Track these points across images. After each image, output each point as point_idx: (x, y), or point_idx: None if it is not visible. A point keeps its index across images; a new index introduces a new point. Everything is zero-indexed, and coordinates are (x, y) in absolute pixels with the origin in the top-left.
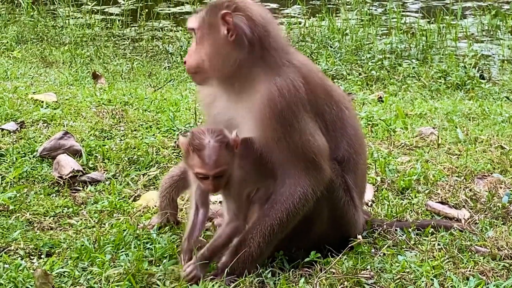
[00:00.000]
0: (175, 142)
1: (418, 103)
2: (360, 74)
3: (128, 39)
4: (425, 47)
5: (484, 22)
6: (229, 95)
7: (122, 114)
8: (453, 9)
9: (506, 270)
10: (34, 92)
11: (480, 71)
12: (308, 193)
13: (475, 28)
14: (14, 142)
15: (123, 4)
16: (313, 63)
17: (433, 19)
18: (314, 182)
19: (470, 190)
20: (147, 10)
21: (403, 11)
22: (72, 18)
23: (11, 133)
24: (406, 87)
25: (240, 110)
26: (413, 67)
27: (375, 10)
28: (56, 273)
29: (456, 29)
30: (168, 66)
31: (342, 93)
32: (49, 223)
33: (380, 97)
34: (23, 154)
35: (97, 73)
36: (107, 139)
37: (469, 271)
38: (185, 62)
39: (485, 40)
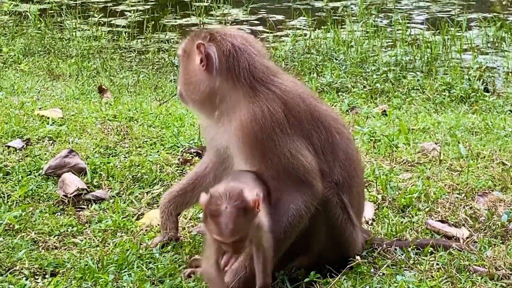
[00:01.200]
0: (179, 159)
1: (422, 117)
2: (364, 87)
3: (135, 51)
4: (429, 59)
5: (489, 33)
6: (212, 122)
7: (127, 131)
8: (458, 21)
9: None
10: (40, 108)
11: (485, 84)
12: (302, 209)
13: (480, 39)
14: (20, 160)
15: (130, 16)
16: (302, 87)
17: (438, 31)
18: (306, 198)
19: (470, 208)
20: (153, 22)
21: (408, 23)
22: (79, 30)
23: (17, 151)
24: (410, 100)
25: (224, 137)
26: (418, 80)
27: (380, 22)
28: None
29: (461, 41)
30: (174, 79)
31: (335, 116)
32: (54, 242)
33: (384, 111)
34: (29, 172)
35: (103, 87)
36: (112, 156)
37: None
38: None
39: (490, 52)
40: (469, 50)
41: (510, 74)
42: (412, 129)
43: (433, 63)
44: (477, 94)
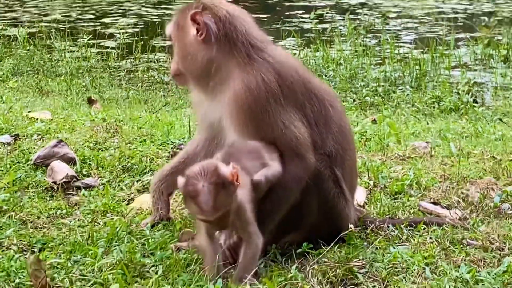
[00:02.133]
0: (169, 152)
1: (412, 124)
2: (354, 100)
3: (124, 70)
4: (418, 75)
5: (477, 51)
6: (206, 95)
7: (116, 129)
8: (446, 40)
9: (497, 260)
10: (29, 111)
11: (474, 97)
12: (291, 182)
13: (468, 57)
14: (8, 153)
15: (119, 37)
16: (294, 59)
17: (426, 49)
18: (297, 170)
19: (462, 192)
20: (142, 42)
21: (397, 42)
22: (68, 52)
23: (5, 145)
24: (400, 111)
25: (217, 109)
26: (407, 94)
27: (369, 41)
28: (49, 264)
29: (449, 58)
30: (164, 95)
31: (328, 89)
32: (43, 223)
33: (374, 119)
34: (17, 163)
35: (92, 98)
36: (101, 150)
37: (461, 260)
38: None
39: (478, 69)
40: (457, 67)
41: (498, 88)
42: (403, 133)
43: (422, 78)
44: (466, 106)
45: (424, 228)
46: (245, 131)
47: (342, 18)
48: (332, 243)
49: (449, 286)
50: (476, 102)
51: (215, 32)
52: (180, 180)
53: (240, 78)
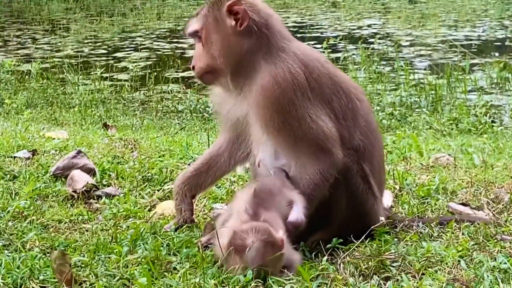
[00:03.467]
0: (188, 164)
1: (431, 142)
2: None
3: (138, 101)
4: (434, 99)
5: (493, 75)
6: (234, 90)
7: (134, 145)
8: (460, 66)
9: None
10: (45, 131)
11: (492, 118)
12: (317, 178)
13: (484, 81)
14: (28, 166)
15: (132, 70)
16: (319, 53)
17: (441, 74)
18: (324, 166)
19: (491, 194)
20: (155, 74)
21: (411, 69)
22: (82, 85)
23: (24, 159)
24: (418, 132)
25: (243, 104)
26: (424, 118)
27: (383, 68)
28: (73, 262)
29: (465, 83)
30: (179, 123)
31: (354, 84)
32: (65, 228)
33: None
34: (36, 175)
35: (108, 123)
36: (120, 164)
37: (497, 252)
38: (193, 67)
39: (494, 92)
40: (473, 91)
41: None
42: (424, 148)
43: (438, 102)
44: (485, 127)
45: (456, 225)
46: (271, 125)
47: (355, 47)
48: (363, 237)
49: (487, 276)
50: (494, 122)
51: (258, 21)
52: (225, 236)
53: (267, 71)
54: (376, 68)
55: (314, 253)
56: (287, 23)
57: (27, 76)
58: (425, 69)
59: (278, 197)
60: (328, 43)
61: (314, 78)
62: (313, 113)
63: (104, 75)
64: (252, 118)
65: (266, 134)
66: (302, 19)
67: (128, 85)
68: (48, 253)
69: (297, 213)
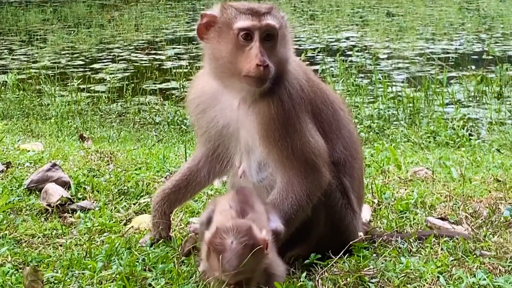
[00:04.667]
0: (165, 177)
1: (409, 155)
2: None
3: (115, 112)
4: (412, 112)
5: (470, 88)
6: (241, 96)
7: (110, 158)
8: (438, 78)
9: None
10: (20, 143)
11: (469, 131)
12: (303, 199)
13: (462, 94)
14: (1, 179)
15: (109, 81)
16: (304, 64)
17: (419, 87)
18: (311, 187)
19: (470, 209)
20: (133, 85)
21: (389, 82)
22: (58, 96)
23: None
24: (396, 145)
25: (244, 110)
26: (402, 130)
27: (361, 81)
28: (46, 279)
29: (442, 96)
30: (156, 135)
31: (335, 94)
32: (38, 242)
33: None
34: (10, 188)
35: (84, 135)
36: (96, 177)
37: (476, 268)
38: (265, 66)
39: (472, 105)
40: (451, 104)
41: (493, 123)
42: (402, 161)
43: (416, 115)
44: (462, 140)
45: (435, 241)
46: (273, 135)
47: (333, 60)
48: (342, 252)
49: None
50: (472, 136)
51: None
52: (208, 233)
53: (284, 80)
54: (354, 80)
55: (292, 268)
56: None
57: (3, 87)
58: (403, 82)
59: (258, 200)
60: (306, 55)
61: (311, 87)
62: (311, 127)
63: (81, 86)
64: (248, 126)
65: (261, 146)
66: None
67: (105, 96)
68: (20, 268)
69: (275, 222)
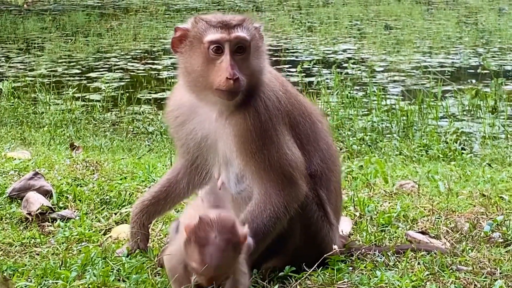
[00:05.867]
0: (149, 187)
1: (399, 168)
2: (341, 149)
3: (109, 121)
4: (406, 125)
5: (464, 102)
6: (219, 108)
7: (96, 167)
8: (433, 92)
9: (488, 283)
10: (8, 151)
11: (462, 145)
12: (280, 211)
13: (456, 108)
14: None
15: (104, 90)
16: (281, 76)
17: (413, 100)
18: (288, 199)
19: (451, 223)
20: (128, 95)
21: (384, 94)
22: (53, 104)
23: None
24: (387, 158)
25: (222, 122)
26: (394, 144)
27: (356, 93)
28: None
29: (436, 109)
30: (149, 144)
31: (313, 106)
32: (15, 251)
33: (361, 166)
34: None
35: (75, 144)
36: (80, 186)
37: (450, 283)
38: (235, 79)
39: (466, 119)
40: (445, 117)
41: (486, 137)
42: (390, 174)
43: (409, 128)
44: (454, 154)
45: (412, 255)
46: (250, 148)
47: (329, 71)
48: (315, 265)
49: None
50: (464, 150)
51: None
52: (190, 220)
53: (260, 92)
54: (349, 93)
55: (267, 281)
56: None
57: None
58: (397, 95)
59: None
60: (302, 67)
61: (288, 99)
62: (288, 139)
63: (76, 95)
64: (225, 138)
65: (238, 158)
66: (277, 43)
67: (99, 105)
68: None
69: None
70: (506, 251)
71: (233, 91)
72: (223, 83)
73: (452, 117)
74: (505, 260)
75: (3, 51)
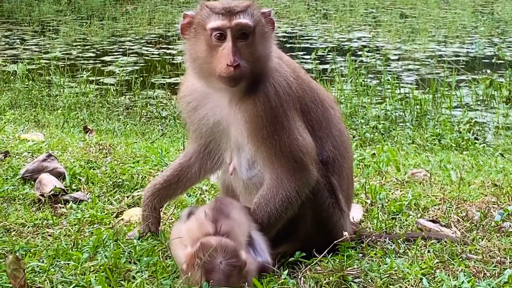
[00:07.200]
0: (161, 171)
1: (412, 157)
2: (354, 136)
3: (122, 105)
4: (419, 114)
5: (479, 92)
6: (229, 94)
7: (109, 150)
8: (447, 81)
9: (497, 272)
10: (21, 132)
11: (475, 135)
12: (292, 196)
13: (470, 98)
14: None
15: (118, 74)
16: (294, 61)
17: (427, 89)
18: (299, 184)
19: (462, 212)
20: (142, 79)
21: (398, 83)
22: (67, 87)
23: None
24: (400, 146)
25: (233, 108)
26: (407, 133)
27: (370, 81)
28: (31, 268)
29: (450, 98)
30: (162, 129)
31: (327, 93)
32: (28, 232)
33: (374, 154)
34: (5, 178)
35: (88, 127)
36: (93, 168)
37: (460, 271)
38: (236, 66)
39: (479, 109)
40: (459, 107)
41: (500, 128)
42: (402, 162)
43: (423, 117)
44: (468, 143)
45: (422, 243)
46: (261, 133)
47: (344, 59)
48: (325, 251)
49: None
50: (478, 139)
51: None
52: (190, 249)
53: (270, 78)
54: (363, 81)
55: (277, 266)
56: (277, 33)
57: (12, 77)
58: (411, 84)
59: (240, 214)
60: (317, 54)
61: (300, 85)
62: (300, 125)
63: (91, 78)
64: (237, 124)
65: (250, 144)
66: (292, 29)
67: (113, 89)
68: (7, 257)
69: (263, 256)
70: None
71: (235, 77)
72: (224, 70)
73: (466, 106)
74: None
75: (18, 33)
